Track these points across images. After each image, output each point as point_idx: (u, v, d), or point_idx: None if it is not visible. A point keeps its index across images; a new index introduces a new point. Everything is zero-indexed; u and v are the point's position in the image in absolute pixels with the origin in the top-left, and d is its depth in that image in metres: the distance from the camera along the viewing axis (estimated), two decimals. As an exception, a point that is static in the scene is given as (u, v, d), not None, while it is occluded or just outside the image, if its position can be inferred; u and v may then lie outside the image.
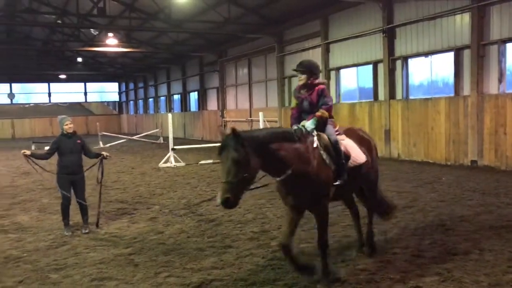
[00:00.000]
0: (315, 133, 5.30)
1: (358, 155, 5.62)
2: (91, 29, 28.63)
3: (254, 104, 25.94)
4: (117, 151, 24.39)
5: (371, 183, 6.18)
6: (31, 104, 49.31)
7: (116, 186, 12.60)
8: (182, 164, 16.70)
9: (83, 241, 7.24)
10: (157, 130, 31.76)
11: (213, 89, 31.15)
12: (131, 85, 48.87)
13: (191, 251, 6.56)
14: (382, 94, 17.38)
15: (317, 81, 5.64)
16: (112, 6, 22.50)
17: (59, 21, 26.83)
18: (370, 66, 17.94)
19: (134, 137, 30.10)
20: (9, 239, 7.51)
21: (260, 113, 18.37)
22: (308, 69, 5.63)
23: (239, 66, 27.59)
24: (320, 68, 5.69)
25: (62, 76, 44.23)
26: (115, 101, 52.69)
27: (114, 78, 49.15)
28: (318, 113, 5.45)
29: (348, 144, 5.60)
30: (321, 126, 5.43)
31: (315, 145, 5.16)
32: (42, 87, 47.88)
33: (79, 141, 7.83)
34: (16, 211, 9.74)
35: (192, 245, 6.86)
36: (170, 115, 17.44)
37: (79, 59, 38.32)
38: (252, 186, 4.80)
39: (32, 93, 48.54)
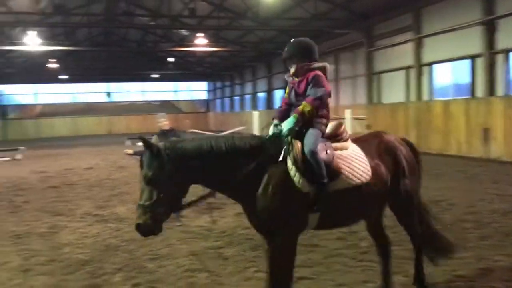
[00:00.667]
0: (289, 139, 3.95)
1: (356, 172, 4.04)
2: (182, 30, 29.78)
3: (341, 101, 25.49)
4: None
5: (402, 209, 4.62)
6: (126, 102, 52.44)
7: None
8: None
9: (175, 233, 7.51)
10: (242, 127, 32.32)
11: (298, 87, 31.06)
12: (218, 84, 50.24)
13: (279, 248, 6.55)
14: (480, 90, 16.28)
15: (315, 65, 4.24)
16: (201, 6, 23.21)
17: (152, 23, 28.19)
18: (467, 61, 16.88)
19: (220, 134, 30.83)
20: (109, 228, 7.99)
21: (347, 110, 18.02)
22: (296, 51, 4.29)
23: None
24: (315, 49, 4.30)
25: (155, 76, 46.51)
26: (203, 100, 54.46)
27: (202, 77, 50.84)
28: (298, 108, 4.03)
29: (346, 157, 4.09)
30: (305, 126, 4.04)
31: (280, 158, 3.86)
32: (136, 86, 50.77)
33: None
34: (115, 202, 10.36)
35: (280, 242, 6.84)
36: (255, 113, 17.63)
37: (170, 59, 40.04)
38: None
39: (127, 91, 51.60)
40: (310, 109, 3.99)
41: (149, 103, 52.45)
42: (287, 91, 4.42)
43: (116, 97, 51.32)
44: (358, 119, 20.75)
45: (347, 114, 17.96)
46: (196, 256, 6.29)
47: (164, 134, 8.11)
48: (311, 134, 3.99)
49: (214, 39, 28.36)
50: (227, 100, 47.81)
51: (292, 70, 4.31)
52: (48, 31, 28.87)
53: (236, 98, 44.63)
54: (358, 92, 23.95)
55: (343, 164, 4.02)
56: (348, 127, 17.69)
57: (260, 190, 3.81)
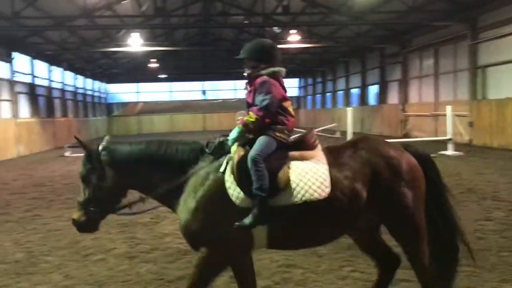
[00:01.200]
0: (234, 148, 3.68)
1: (307, 185, 3.49)
2: (275, 28, 30.02)
3: (441, 97, 24.17)
4: (297, 144, 25.11)
5: (395, 232, 3.85)
6: (219, 100, 54.07)
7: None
8: (361, 159, 16.39)
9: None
10: (334, 124, 31.86)
11: (393, 82, 29.99)
12: (310, 80, 50.01)
13: (375, 248, 6.36)
14: None
15: (264, 70, 3.79)
16: (294, 3, 23.21)
17: (246, 22, 28.73)
18: None
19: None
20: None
21: (448, 107, 17.03)
22: (249, 54, 3.88)
23: (424, 57, 25.99)
24: (273, 51, 3.89)
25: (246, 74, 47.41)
26: (294, 96, 54.54)
27: (294, 73, 50.87)
28: (243, 119, 3.75)
29: (301, 168, 3.58)
30: (259, 135, 3.72)
31: (221, 169, 3.59)
32: (228, 84, 52.15)
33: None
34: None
35: (376, 242, 6.65)
36: (349, 109, 17.27)
37: (263, 57, 40.52)
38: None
39: (220, 89, 53.16)
40: (254, 120, 3.67)
41: (241, 101, 53.56)
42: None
43: (210, 95, 53.12)
44: (460, 116, 19.53)
45: (448, 110, 16.94)
46: (291, 252, 6.28)
47: None
48: (258, 142, 3.66)
49: (306, 35, 28.23)
50: (318, 97, 47.44)
51: (246, 75, 3.94)
52: (149, 32, 30.58)
53: (328, 94, 44.13)
54: (459, 88, 22.54)
55: (295, 176, 3.52)
56: (449, 125, 16.75)
57: (182, 202, 3.59)
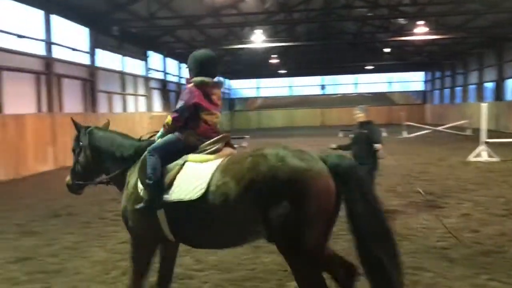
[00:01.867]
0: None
1: (185, 185, 3.64)
2: (400, 19, 28.75)
3: None
4: (422, 142, 23.91)
5: (280, 249, 3.47)
6: (338, 95, 53.31)
7: (423, 177, 12.30)
8: (496, 159, 15.04)
9: (397, 227, 7.29)
10: (465, 121, 29.62)
11: (535, 75, 27.00)
12: (437, 74, 47.07)
13: (516, 257, 5.80)
14: None
15: (193, 79, 4.15)
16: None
17: (370, 14, 27.90)
18: None
19: (439, 128, 28.84)
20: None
21: None
22: (189, 64, 4.24)
23: None
24: (207, 62, 4.12)
25: (369, 67, 46.10)
26: (419, 91, 51.78)
27: (419, 67, 48.26)
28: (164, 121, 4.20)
29: (189, 168, 3.76)
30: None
31: (139, 164, 3.98)
32: (349, 78, 51.20)
33: (365, 131, 7.70)
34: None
35: (517, 250, 6.05)
36: (484, 105, 15.89)
37: (386, 50, 39.11)
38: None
39: (340, 84, 52.40)
40: (168, 121, 4.11)
41: (361, 95, 52.35)
42: None
43: (329, 90, 52.67)
44: None
45: None
46: (418, 254, 5.99)
47: (361, 126, 7.87)
48: (162, 139, 4.08)
49: (434, 26, 26.59)
50: (446, 91, 44.43)
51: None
52: (271, 29, 31.18)
53: (458, 88, 41.11)
54: None
55: (181, 176, 3.73)
56: None
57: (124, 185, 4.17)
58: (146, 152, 3.96)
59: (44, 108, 16.84)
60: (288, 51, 40.39)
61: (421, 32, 24.85)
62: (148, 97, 27.07)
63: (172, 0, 21.52)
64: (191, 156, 3.87)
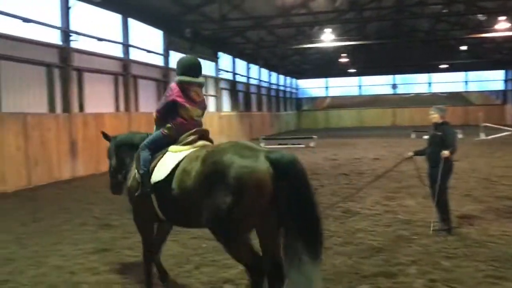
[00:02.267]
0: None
1: (156, 170, 4.39)
2: (479, 15, 27.28)
3: None
4: (501, 144, 22.54)
5: (211, 224, 3.89)
6: (411, 94, 51.48)
7: (504, 182, 11.58)
8: None
9: (473, 234, 6.95)
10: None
11: None
12: (520, 72, 44.17)
13: None
14: None
15: (175, 79, 4.77)
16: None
17: (445, 10, 26.72)
18: None
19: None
20: (399, 220, 7.97)
21: None
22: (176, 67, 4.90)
23: None
24: (189, 65, 4.73)
25: (443, 66, 44.17)
26: (498, 90, 48.79)
27: (498, 65, 45.47)
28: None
29: (163, 157, 4.43)
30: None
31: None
32: (422, 77, 49.32)
33: (439, 133, 7.16)
34: (403, 194, 10.28)
35: None
36: None
37: (463, 47, 37.27)
38: None
39: (413, 83, 50.59)
40: (154, 116, 4.84)
41: (435, 95, 50.23)
42: None
43: (401, 89, 51.03)
44: None
45: None
46: (499, 263, 5.66)
47: (435, 127, 7.37)
48: (150, 136, 4.81)
49: (518, 22, 25.01)
50: (529, 91, 41.61)
51: None
52: (341, 27, 30.73)
53: (542, 88, 38.39)
54: None
55: (159, 162, 4.41)
56: None
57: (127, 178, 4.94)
58: (139, 148, 4.71)
59: (122, 107, 17.70)
60: (358, 49, 39.64)
61: (502, 28, 23.43)
62: (218, 97, 27.63)
63: (244, 2, 21.80)
64: (171, 147, 4.49)
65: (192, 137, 4.54)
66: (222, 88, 28.71)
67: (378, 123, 47.17)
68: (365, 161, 16.77)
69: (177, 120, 4.62)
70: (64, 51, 14.59)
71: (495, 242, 6.55)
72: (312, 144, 23.88)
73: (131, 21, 18.48)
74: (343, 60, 38.72)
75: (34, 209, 9.74)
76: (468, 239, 6.68)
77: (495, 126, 28.39)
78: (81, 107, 15.50)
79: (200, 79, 4.81)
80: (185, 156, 4.24)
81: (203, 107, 4.87)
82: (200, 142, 4.55)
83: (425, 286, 4.98)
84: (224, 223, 3.74)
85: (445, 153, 6.87)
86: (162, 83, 20.96)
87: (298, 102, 52.70)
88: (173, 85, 4.72)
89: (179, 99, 4.60)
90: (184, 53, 23.47)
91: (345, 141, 26.93)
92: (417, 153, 7.61)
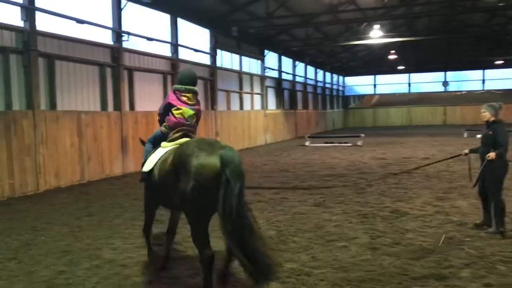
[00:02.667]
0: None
1: (147, 162, 5.49)
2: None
3: None
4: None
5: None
6: (463, 92, 49.69)
7: None
8: None
9: (531, 237, 6.63)
10: None
11: None
12: None
13: None
14: None
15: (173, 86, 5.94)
16: None
17: (502, 4, 25.56)
18: None
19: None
20: (450, 221, 7.71)
21: None
22: None
23: None
24: (184, 77, 5.77)
25: (498, 62, 42.33)
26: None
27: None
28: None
29: (155, 152, 5.47)
30: None
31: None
32: (475, 74, 47.48)
33: (490, 132, 6.88)
34: (454, 195, 9.93)
35: None
36: None
37: (520, 42, 35.62)
38: None
39: (465, 80, 48.81)
40: (157, 116, 5.94)
41: (489, 92, 48.26)
42: None
43: (452, 87, 49.33)
44: None
45: None
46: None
47: (487, 126, 7.03)
48: (154, 132, 5.96)
49: None
50: None
51: None
52: (390, 24, 30.04)
53: None
54: None
55: (151, 156, 5.44)
56: None
57: None
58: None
59: (169, 105, 18.06)
60: (407, 46, 38.58)
61: None
62: (263, 95, 27.69)
63: (290, -1, 21.76)
64: (162, 143, 5.44)
65: (176, 135, 5.40)
66: (268, 86, 28.74)
67: (428, 122, 45.85)
68: (415, 160, 16.32)
69: (171, 119, 5.56)
70: (116, 51, 15.04)
71: (555, 246, 6.22)
72: (359, 142, 23.51)
73: (180, 21, 18.81)
74: (392, 57, 37.86)
75: (87, 204, 10.12)
76: (524, 243, 6.38)
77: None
78: (132, 106, 15.94)
79: (193, 88, 5.71)
80: (167, 151, 5.12)
81: (196, 110, 5.69)
82: (183, 139, 5.29)
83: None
84: (188, 204, 4.55)
85: (491, 154, 6.60)
86: (209, 81, 21.23)
87: (345, 100, 52.00)
88: (170, 91, 5.87)
89: (173, 102, 5.57)
90: (231, 52, 23.72)
91: (394, 140, 26.36)
92: (473, 151, 7.35)
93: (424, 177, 12.52)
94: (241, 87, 24.87)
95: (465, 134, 26.05)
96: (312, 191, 10.71)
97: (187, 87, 5.64)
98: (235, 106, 24.30)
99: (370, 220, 7.89)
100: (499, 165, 6.74)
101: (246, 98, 25.70)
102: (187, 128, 5.51)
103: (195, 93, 5.72)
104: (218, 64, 22.24)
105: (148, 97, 16.90)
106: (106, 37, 15.04)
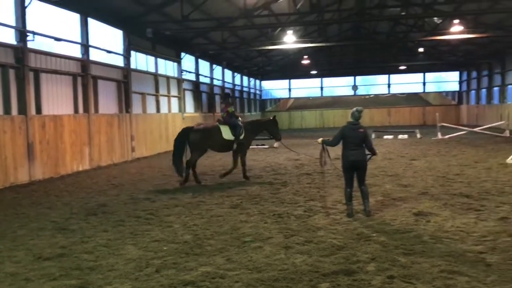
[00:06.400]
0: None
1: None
2: (435, 18, 28.14)
3: None
4: (457, 143, 23.33)
5: None
6: (371, 95, 52.56)
7: (459, 179, 12.00)
8: (536, 161, 14.55)
9: (429, 230, 7.16)
10: (502, 122, 28.77)
11: None
12: (474, 74, 45.81)
13: (557, 262, 5.59)
14: None
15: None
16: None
17: (404, 13, 27.41)
18: None
19: (475, 129, 28.11)
20: (359, 218, 8.13)
21: None
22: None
23: None
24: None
25: (402, 67, 45.31)
26: (454, 91, 50.53)
27: (454, 66, 47.10)
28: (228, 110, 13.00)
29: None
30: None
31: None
32: (382, 78, 50.39)
33: (361, 130, 8.25)
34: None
35: (558, 256, 5.84)
36: (523, 105, 15.39)
37: (420, 49, 38.35)
38: None
39: (373, 84, 51.66)
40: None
41: (394, 96, 51.54)
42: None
43: (361, 90, 51.96)
44: None
45: None
46: (453, 258, 5.86)
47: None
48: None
49: (472, 25, 25.91)
50: (483, 92, 43.17)
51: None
52: (302, 29, 31.02)
53: (495, 89, 39.89)
54: None
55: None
56: None
57: None
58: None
59: (81, 109, 17.27)
60: (319, 51, 40.11)
61: (457, 31, 24.24)
62: (181, 98, 27.38)
63: (205, 3, 21.68)
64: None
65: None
66: (185, 89, 28.47)
67: (339, 124, 47.03)
68: (327, 160, 16.92)
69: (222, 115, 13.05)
70: (20, 51, 14.11)
71: (450, 238, 6.77)
72: (275, 145, 24.00)
73: (91, 21, 18.06)
74: (305, 62, 39.11)
75: (-12, 215, 9.39)
76: (424, 236, 6.88)
77: (452, 125, 29.38)
78: (39, 109, 15.03)
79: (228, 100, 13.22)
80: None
81: (223, 111, 12.96)
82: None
83: (384, 283, 5.09)
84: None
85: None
86: (122, 83, 20.60)
87: (262, 103, 52.88)
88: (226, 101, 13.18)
89: (225, 108, 12.97)
90: (147, 54, 23.21)
91: (308, 142, 27.21)
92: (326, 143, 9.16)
93: (336, 176, 13.05)
94: (157, 90, 24.39)
95: (373, 135, 27.52)
96: (230, 193, 10.78)
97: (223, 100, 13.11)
98: (151, 109, 23.78)
99: (284, 220, 8.09)
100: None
101: (163, 101, 25.25)
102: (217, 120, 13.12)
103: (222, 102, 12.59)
104: (133, 66, 21.65)
105: (57, 100, 16.03)
106: (9, 37, 14.07)
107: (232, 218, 8.36)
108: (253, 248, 6.44)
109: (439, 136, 26.38)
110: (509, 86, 36.72)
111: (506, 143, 22.30)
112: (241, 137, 12.59)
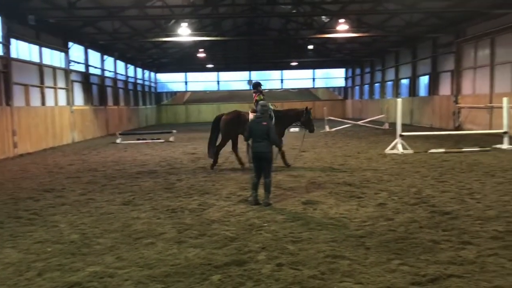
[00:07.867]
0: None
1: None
2: (323, 16, 29.61)
3: (496, 89, 23.14)
4: (343, 135, 24.87)
5: None
6: (265, 90, 53.88)
7: (343, 169, 12.83)
8: (410, 151, 16.01)
9: (316, 218, 7.57)
10: (382, 115, 31.22)
11: (446, 73, 28.94)
12: (358, 71, 49.11)
13: (424, 242, 6.22)
14: None
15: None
16: (344, -9, 22.76)
17: (294, 11, 28.48)
18: None
19: (359, 122, 30.23)
20: (251, 208, 8.35)
21: (504, 99, 16.31)
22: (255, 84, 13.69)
23: (479, 47, 24.82)
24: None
25: (294, 64, 47.09)
26: (340, 87, 53.73)
27: (340, 63, 50.14)
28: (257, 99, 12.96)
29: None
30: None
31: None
32: (275, 74, 51.97)
33: (264, 123, 8.77)
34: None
35: (425, 236, 6.49)
36: (399, 100, 16.83)
37: (310, 47, 40.17)
38: None
39: (267, 79, 53.08)
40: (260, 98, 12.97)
41: (287, 91, 53.45)
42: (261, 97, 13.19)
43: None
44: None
45: (504, 102, 16.28)
46: (337, 243, 6.26)
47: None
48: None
49: (356, 25, 27.70)
50: (366, 87, 46.53)
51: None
52: (198, 22, 30.90)
53: (377, 85, 43.19)
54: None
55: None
56: (505, 117, 16.17)
57: None
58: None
59: (-49, 101, 15.57)
60: (215, 45, 40.30)
61: (342, 29, 25.76)
62: (69, 90, 25.85)
63: (93, -10, 20.70)
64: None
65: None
66: (74, 81, 26.91)
67: (236, 117, 48.51)
68: (223, 154, 17.11)
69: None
70: None
71: (334, 224, 7.23)
72: (171, 138, 23.71)
73: (-39, 4, 16.34)
74: (201, 55, 39.02)
75: None
76: (312, 223, 7.27)
77: (338, 119, 31.28)
78: None
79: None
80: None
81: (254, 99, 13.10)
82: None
83: (273, 271, 5.29)
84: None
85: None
86: (2, 74, 18.91)
87: (158, 96, 51.79)
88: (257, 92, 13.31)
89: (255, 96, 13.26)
90: (29, 42, 21.53)
91: (205, 135, 27.17)
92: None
93: (230, 169, 13.25)
94: (42, 81, 22.77)
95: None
96: (121, 190, 10.45)
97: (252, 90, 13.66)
98: (36, 101, 22.14)
99: (178, 214, 8.04)
100: None
101: (49, 93, 23.63)
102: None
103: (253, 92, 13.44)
104: (13, 55, 19.96)
105: None
106: None
107: (123, 215, 8.12)
108: (145, 245, 6.32)
109: (327, 129, 27.91)
110: (388, 82, 39.96)
111: (385, 134, 24.23)
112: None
